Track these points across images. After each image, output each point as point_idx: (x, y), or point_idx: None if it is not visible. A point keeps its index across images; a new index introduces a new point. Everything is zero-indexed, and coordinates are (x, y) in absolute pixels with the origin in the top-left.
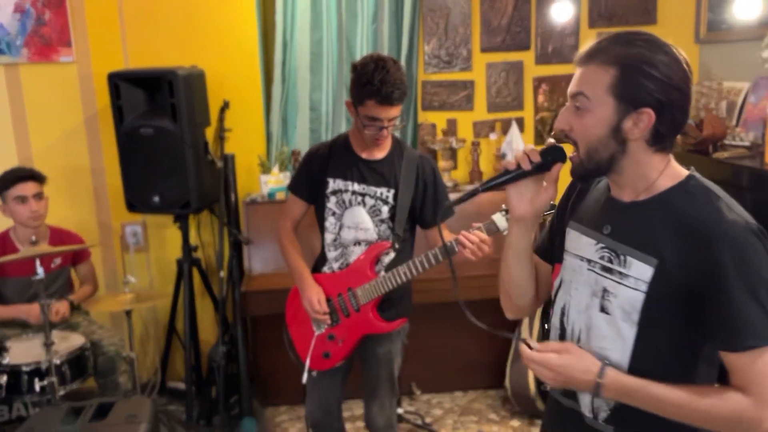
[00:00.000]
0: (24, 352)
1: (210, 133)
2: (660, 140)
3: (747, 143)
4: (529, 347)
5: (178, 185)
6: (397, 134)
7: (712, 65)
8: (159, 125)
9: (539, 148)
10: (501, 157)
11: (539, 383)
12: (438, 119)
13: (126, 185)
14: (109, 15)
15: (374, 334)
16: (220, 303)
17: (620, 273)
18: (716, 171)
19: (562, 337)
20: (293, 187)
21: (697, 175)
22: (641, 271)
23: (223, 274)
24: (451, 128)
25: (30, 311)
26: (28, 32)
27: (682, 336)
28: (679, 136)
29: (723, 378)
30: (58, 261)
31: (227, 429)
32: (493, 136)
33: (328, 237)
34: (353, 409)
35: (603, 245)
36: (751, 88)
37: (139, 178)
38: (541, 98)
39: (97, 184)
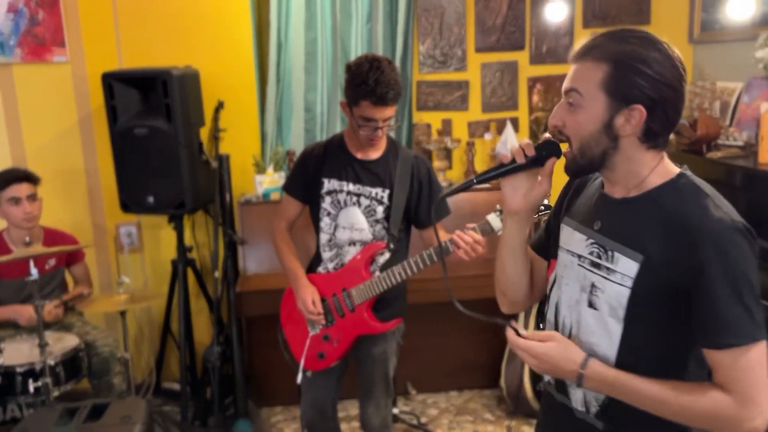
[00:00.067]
0: (18, 353)
1: (204, 133)
2: (652, 137)
3: (740, 143)
4: (517, 333)
5: (172, 185)
6: (392, 134)
7: (706, 65)
8: (153, 125)
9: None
10: (496, 157)
11: (535, 383)
12: (433, 119)
13: (120, 186)
14: (103, 15)
15: (369, 334)
16: (215, 303)
17: (607, 268)
18: (710, 171)
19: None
20: (288, 188)
21: (689, 173)
22: (627, 266)
23: (217, 274)
24: (446, 128)
25: (20, 312)
26: (22, 32)
27: (669, 334)
28: (672, 136)
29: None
30: (52, 262)
31: (222, 429)
32: (488, 136)
33: (323, 237)
34: (348, 409)
35: (593, 241)
36: (745, 88)
37: (133, 178)
38: (535, 98)
39: (91, 184)
